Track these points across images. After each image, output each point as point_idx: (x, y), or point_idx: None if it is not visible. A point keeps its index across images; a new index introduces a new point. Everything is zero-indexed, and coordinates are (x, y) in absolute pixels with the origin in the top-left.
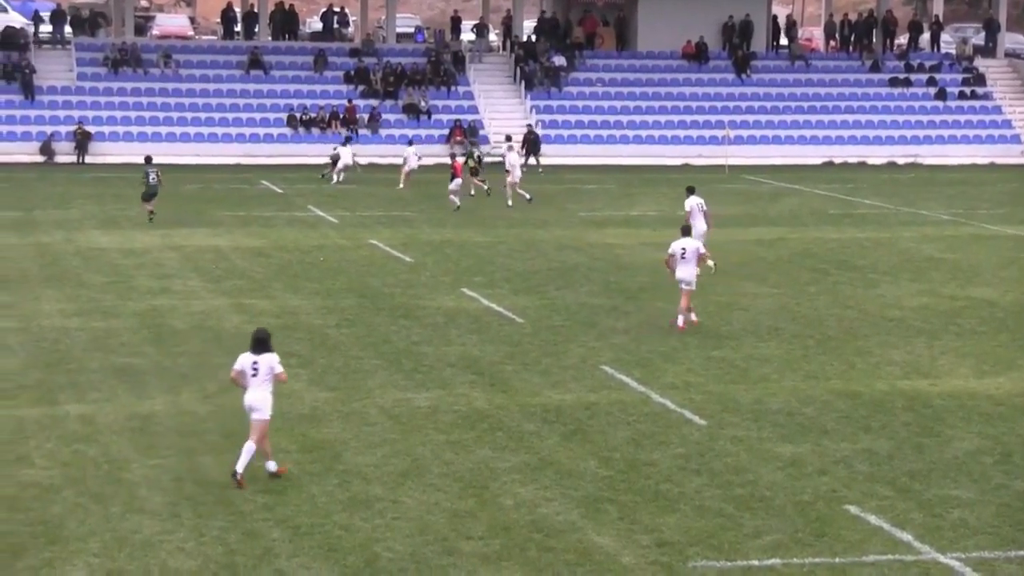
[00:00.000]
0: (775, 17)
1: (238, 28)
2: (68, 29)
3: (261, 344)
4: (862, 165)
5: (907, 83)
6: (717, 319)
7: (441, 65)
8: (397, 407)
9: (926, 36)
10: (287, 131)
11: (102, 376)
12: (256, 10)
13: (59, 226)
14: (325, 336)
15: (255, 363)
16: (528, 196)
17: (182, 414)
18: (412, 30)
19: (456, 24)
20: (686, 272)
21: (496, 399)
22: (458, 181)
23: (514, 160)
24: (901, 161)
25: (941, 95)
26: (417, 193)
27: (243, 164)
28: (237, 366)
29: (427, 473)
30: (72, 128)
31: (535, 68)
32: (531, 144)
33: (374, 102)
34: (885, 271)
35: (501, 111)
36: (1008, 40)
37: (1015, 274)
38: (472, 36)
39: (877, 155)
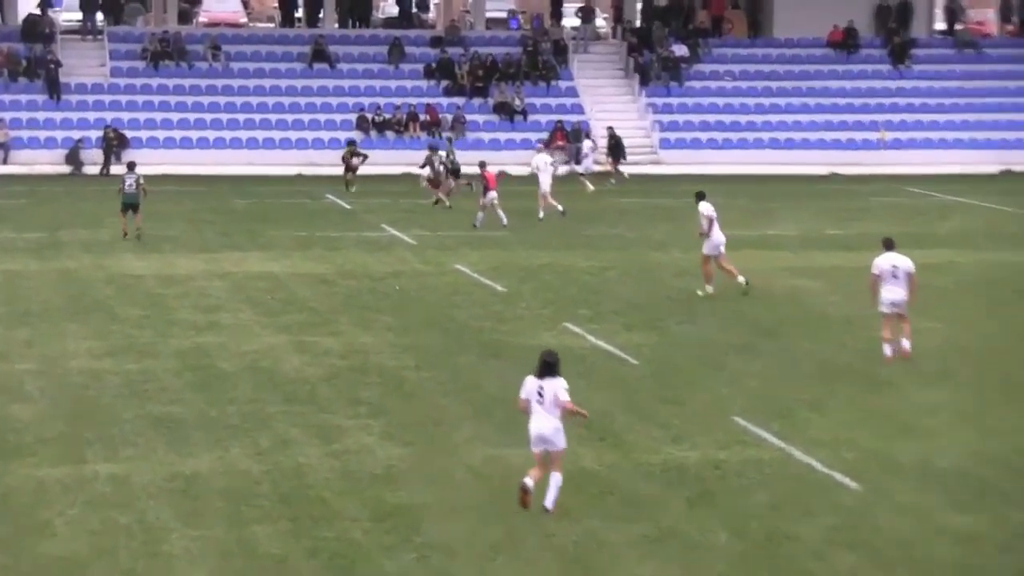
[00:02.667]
0: None
1: (299, 14)
2: (99, 16)
3: (548, 368)
4: None
5: None
6: (873, 360)
7: (539, 56)
8: (487, 466)
9: None
10: (356, 135)
11: (137, 428)
12: None
13: (87, 249)
14: (401, 380)
15: (540, 388)
16: (552, 211)
17: (231, 474)
18: (505, 15)
19: (557, 7)
20: (895, 294)
21: (606, 456)
22: (493, 195)
23: (541, 164)
24: None
25: None
26: (511, 209)
27: (304, 175)
28: (523, 393)
29: (523, 546)
30: (101, 132)
31: (651, 59)
32: (613, 149)
33: (459, 100)
34: None
35: (610, 110)
36: None
37: None
38: (576, 21)
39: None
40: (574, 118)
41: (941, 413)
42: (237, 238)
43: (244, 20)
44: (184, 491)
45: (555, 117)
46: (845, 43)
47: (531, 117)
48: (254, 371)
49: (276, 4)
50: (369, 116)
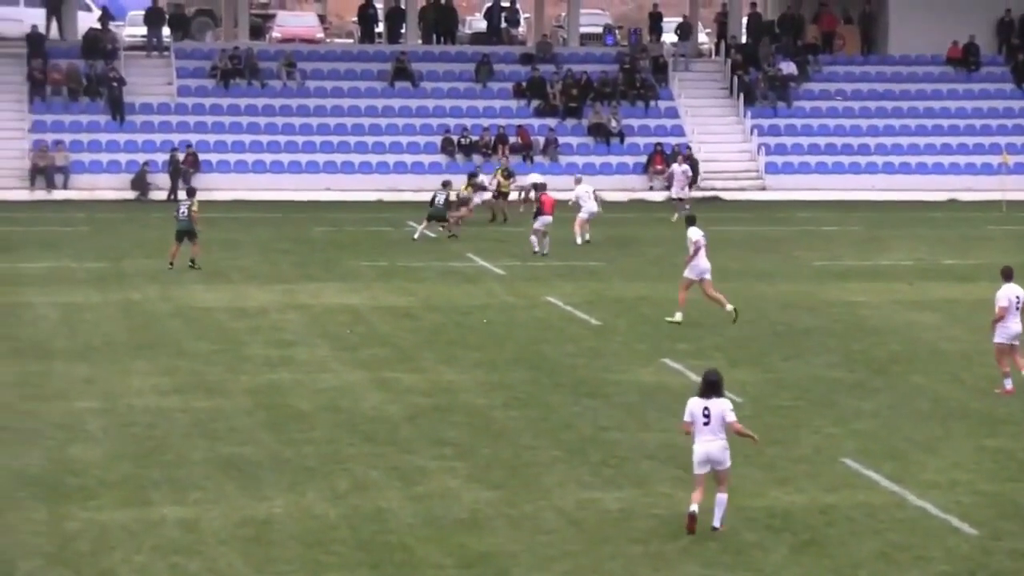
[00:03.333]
0: None
1: (380, 29)
2: (166, 32)
3: (712, 388)
4: None
5: None
6: (990, 398)
7: (637, 74)
8: (581, 510)
9: None
10: (442, 158)
11: (206, 470)
12: (403, 6)
13: (153, 280)
14: (489, 419)
15: (706, 409)
16: (585, 237)
17: (306, 519)
18: (600, 30)
19: (656, 22)
20: (1017, 326)
21: (707, 500)
22: (546, 219)
23: (583, 194)
24: None
25: None
26: (604, 236)
27: (386, 200)
28: (687, 416)
29: None
30: (168, 155)
31: (757, 77)
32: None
33: (552, 122)
34: None
35: (714, 132)
36: None
37: None
38: (676, 38)
39: None
40: (674, 140)
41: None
42: (313, 268)
43: (321, 35)
44: (256, 537)
45: (654, 140)
46: (965, 60)
47: (628, 139)
48: (331, 410)
49: (355, 19)
50: (455, 138)
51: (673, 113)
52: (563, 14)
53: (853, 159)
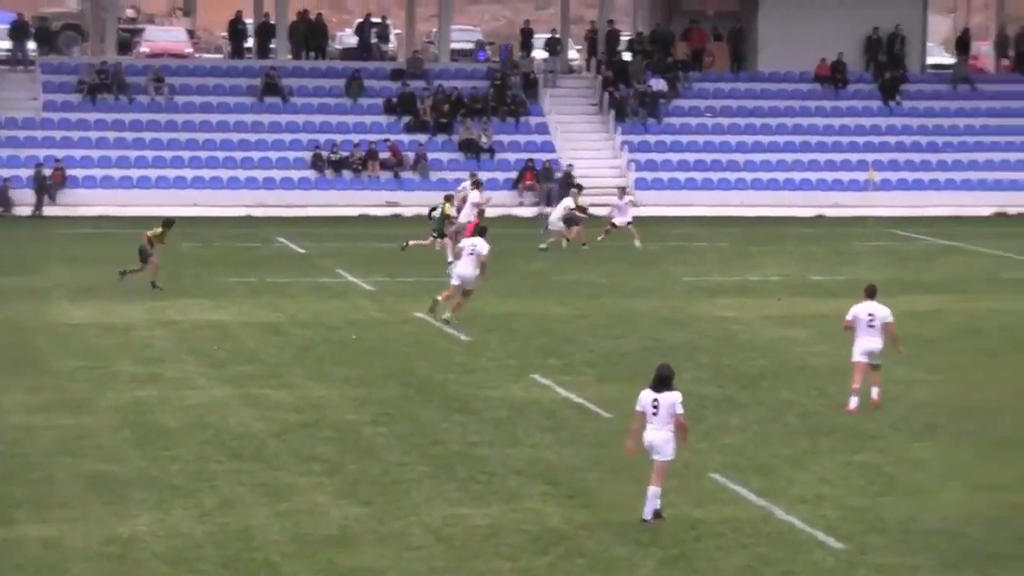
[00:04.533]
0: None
1: (249, 44)
2: (32, 46)
3: (663, 382)
4: None
5: None
6: (859, 414)
7: (508, 90)
8: (449, 526)
9: None
10: (311, 174)
11: (71, 488)
12: (273, 21)
13: (20, 297)
14: (358, 435)
15: (655, 401)
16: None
17: (172, 537)
18: (471, 46)
19: (527, 38)
20: (871, 343)
21: (576, 516)
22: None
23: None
24: None
25: None
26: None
27: (255, 216)
28: (638, 406)
29: None
30: (33, 171)
31: (628, 93)
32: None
33: (422, 137)
34: None
35: (584, 148)
36: None
37: None
38: (547, 53)
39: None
40: (545, 156)
41: (929, 469)
42: (182, 284)
43: (190, 50)
44: (121, 555)
45: (524, 155)
46: (833, 78)
47: (499, 155)
48: (198, 426)
49: (225, 33)
50: (325, 154)
51: (544, 129)
52: (434, 30)
53: (723, 175)
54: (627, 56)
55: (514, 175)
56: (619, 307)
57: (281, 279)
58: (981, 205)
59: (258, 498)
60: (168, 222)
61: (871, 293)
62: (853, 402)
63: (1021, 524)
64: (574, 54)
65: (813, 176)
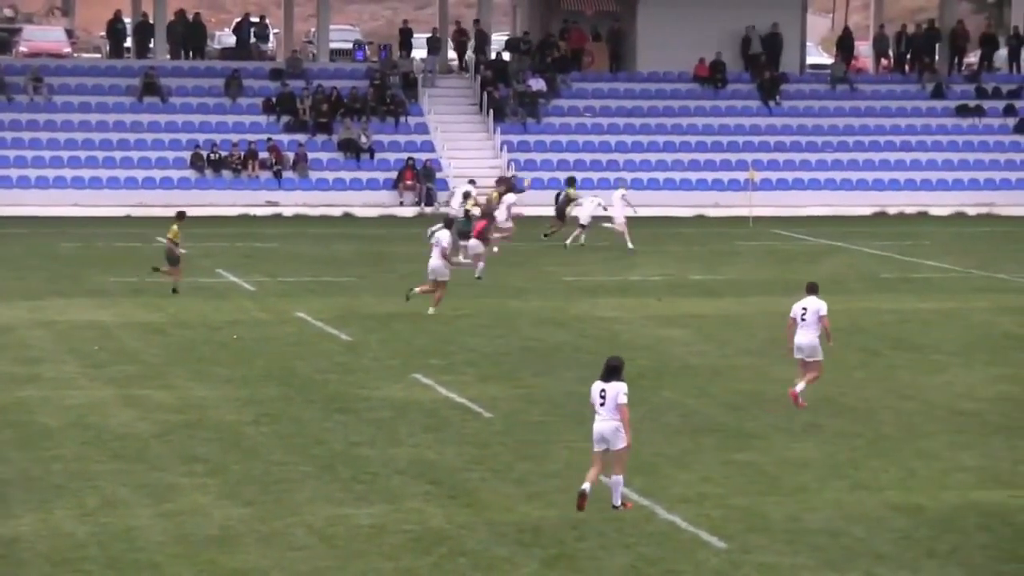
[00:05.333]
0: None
1: (128, 44)
2: None
3: (612, 372)
4: (923, 216)
5: (979, 112)
6: (741, 413)
7: (387, 90)
8: (331, 526)
9: (1003, 52)
10: (191, 174)
11: None
12: (151, 21)
13: None
14: (240, 436)
15: (603, 391)
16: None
17: (55, 537)
18: (350, 46)
19: (406, 38)
20: (802, 338)
21: (458, 516)
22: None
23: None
24: (972, 211)
25: (1021, 127)
26: (354, 252)
27: (134, 216)
28: (591, 397)
29: None
30: None
31: (507, 93)
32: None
33: (302, 137)
34: (954, 351)
35: (463, 148)
36: None
37: None
38: (426, 53)
39: (942, 204)
40: (424, 156)
41: (811, 468)
42: (62, 284)
43: (68, 50)
44: (3, 556)
45: (404, 155)
46: (712, 78)
47: (378, 155)
48: (79, 427)
49: (103, 33)
50: (204, 154)
51: (423, 129)
52: (313, 30)
53: (602, 175)
54: (506, 56)
55: (394, 175)
56: (500, 307)
57: (161, 279)
58: (861, 205)
59: (141, 498)
60: (180, 215)
61: (811, 290)
62: (799, 386)
63: (902, 523)
64: (454, 54)
65: (693, 176)
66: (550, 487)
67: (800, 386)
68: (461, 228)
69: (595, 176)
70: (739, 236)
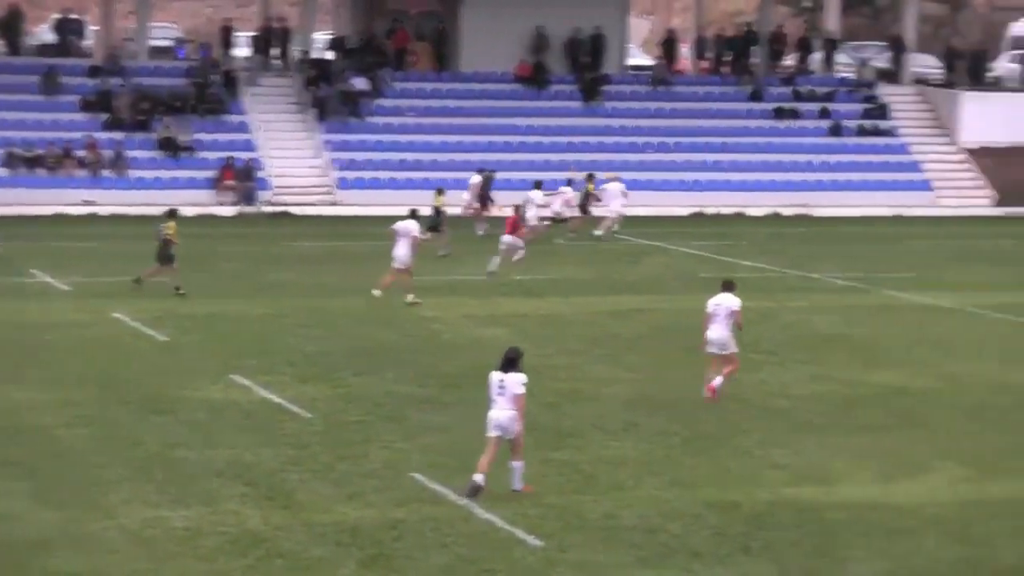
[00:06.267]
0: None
1: None
2: None
3: (510, 363)
4: (739, 217)
5: (795, 114)
6: (557, 412)
7: (208, 88)
8: (147, 529)
9: (818, 56)
10: (5, 172)
11: None
12: None
13: None
14: (53, 439)
15: (501, 381)
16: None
17: None
18: (171, 43)
19: (227, 36)
20: (713, 333)
21: (275, 517)
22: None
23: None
24: (787, 212)
25: (836, 130)
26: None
27: None
28: (489, 386)
29: None
30: None
31: (330, 93)
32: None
33: (120, 135)
34: (768, 350)
35: (285, 147)
36: (916, 62)
37: (927, 354)
38: (249, 52)
39: (758, 204)
40: (245, 155)
41: (627, 466)
42: None
43: None
44: None
45: (225, 154)
46: (535, 78)
47: (199, 154)
48: None
49: None
50: (19, 152)
51: (244, 128)
52: (132, 27)
53: (425, 174)
54: (329, 55)
55: (214, 174)
56: (320, 307)
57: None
58: (680, 205)
59: None
60: (173, 213)
61: (727, 287)
62: (716, 380)
63: (717, 520)
64: (276, 53)
65: (515, 175)
66: (368, 487)
67: (717, 380)
68: (430, 224)
69: (419, 176)
70: (561, 235)
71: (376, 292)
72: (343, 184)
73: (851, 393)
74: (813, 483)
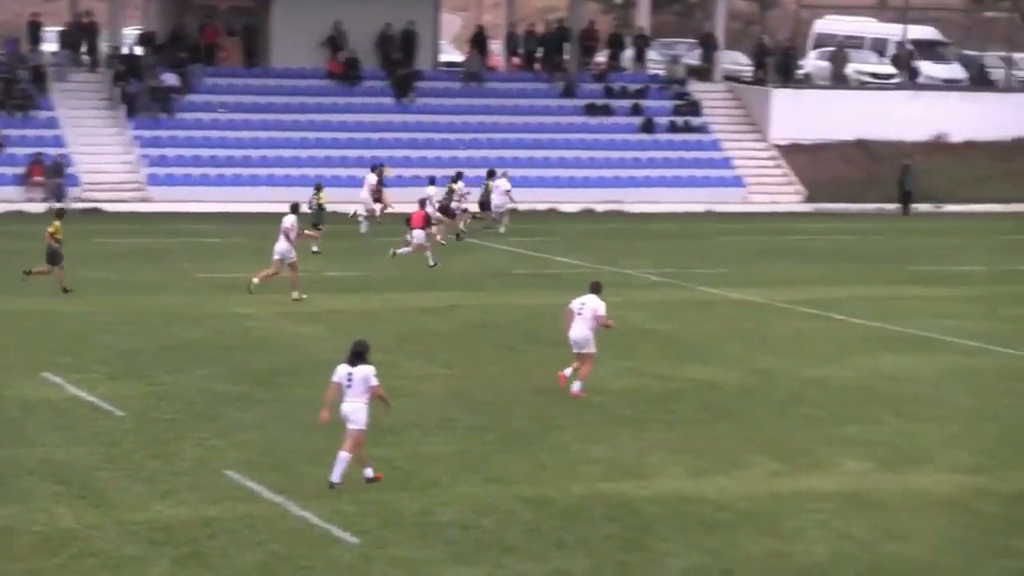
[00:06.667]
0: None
1: None
2: None
3: (358, 356)
4: (552, 213)
5: (607, 111)
6: (372, 408)
7: (16, 84)
8: None
9: (629, 53)
10: None
11: None
12: None
13: None
14: None
15: (350, 375)
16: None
17: None
18: None
19: (35, 31)
20: (576, 332)
21: (87, 516)
22: (419, 233)
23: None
24: (600, 208)
25: (648, 126)
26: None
27: None
28: (335, 377)
29: None
30: None
31: (140, 88)
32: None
33: None
34: None
35: (95, 143)
36: (727, 59)
37: (739, 349)
38: (57, 47)
39: (571, 200)
40: (54, 151)
41: (443, 463)
42: None
43: None
44: None
45: (34, 150)
46: (346, 74)
47: (7, 150)
48: None
49: None
50: None
51: (53, 123)
52: None
53: (236, 171)
54: (139, 50)
55: (22, 171)
56: (132, 304)
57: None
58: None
59: None
60: (60, 213)
61: (594, 289)
62: (567, 370)
63: (532, 515)
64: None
65: (327, 172)
66: (182, 485)
67: (567, 371)
68: (314, 220)
69: (228, 172)
70: (375, 232)
71: (255, 280)
72: (153, 180)
73: (665, 388)
74: (628, 477)
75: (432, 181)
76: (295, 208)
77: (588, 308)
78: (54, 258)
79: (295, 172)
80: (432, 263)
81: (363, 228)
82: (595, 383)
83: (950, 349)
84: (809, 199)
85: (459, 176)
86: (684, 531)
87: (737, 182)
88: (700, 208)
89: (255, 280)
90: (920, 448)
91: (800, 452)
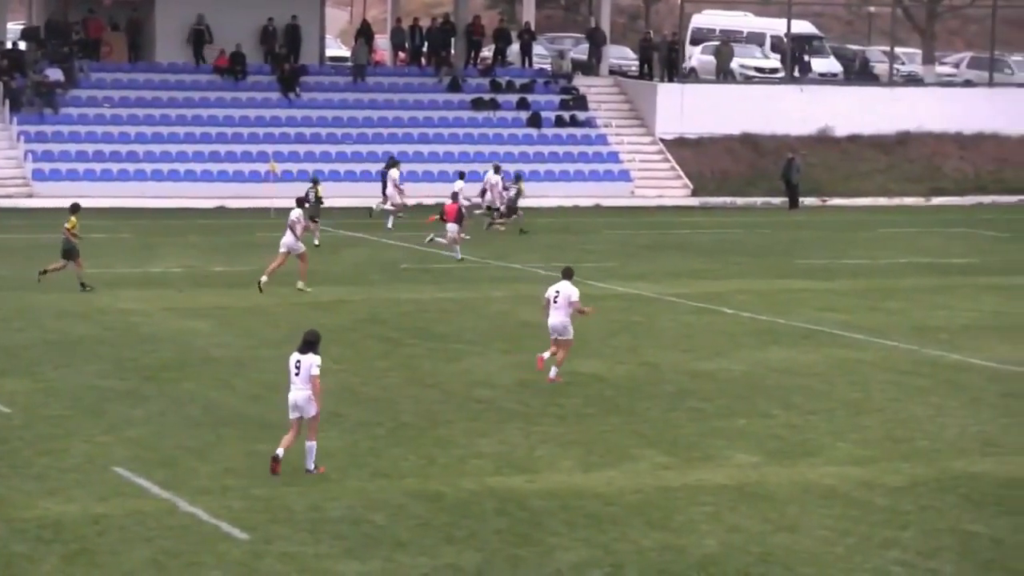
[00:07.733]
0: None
1: None
2: None
3: (308, 345)
4: (440, 207)
5: (494, 105)
6: (263, 403)
7: None
8: None
9: (515, 48)
10: None
11: None
12: None
13: None
14: None
15: (298, 362)
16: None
17: None
18: None
19: None
20: (553, 319)
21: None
22: (453, 226)
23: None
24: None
25: (535, 120)
26: None
27: None
28: (289, 367)
29: None
30: None
31: (23, 83)
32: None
33: None
34: (472, 340)
35: None
36: (613, 54)
37: (627, 342)
38: None
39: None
40: None
41: (332, 458)
42: None
43: None
44: None
45: None
46: (232, 69)
47: None
48: None
49: None
50: None
51: None
52: None
53: (122, 166)
54: (22, 45)
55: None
56: (18, 300)
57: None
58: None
59: None
60: (76, 208)
61: (566, 275)
62: (545, 353)
63: (421, 510)
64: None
65: (214, 167)
66: (70, 481)
67: (546, 354)
68: (311, 213)
69: (115, 167)
70: (261, 227)
71: (263, 279)
72: (38, 176)
73: (554, 382)
74: (517, 472)
75: (462, 176)
76: (300, 202)
77: (563, 296)
78: (70, 253)
79: (180, 167)
80: (459, 257)
81: (389, 224)
82: (483, 377)
83: (837, 342)
84: (695, 193)
85: (462, 175)
86: (574, 525)
87: (624, 176)
88: (588, 202)
89: (264, 278)
90: (808, 440)
91: (689, 445)
